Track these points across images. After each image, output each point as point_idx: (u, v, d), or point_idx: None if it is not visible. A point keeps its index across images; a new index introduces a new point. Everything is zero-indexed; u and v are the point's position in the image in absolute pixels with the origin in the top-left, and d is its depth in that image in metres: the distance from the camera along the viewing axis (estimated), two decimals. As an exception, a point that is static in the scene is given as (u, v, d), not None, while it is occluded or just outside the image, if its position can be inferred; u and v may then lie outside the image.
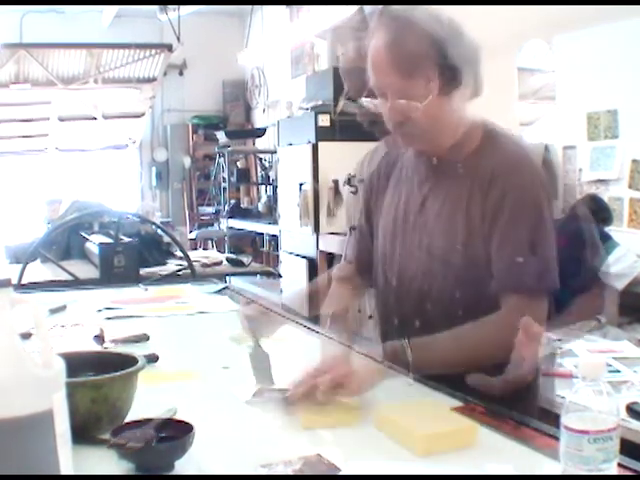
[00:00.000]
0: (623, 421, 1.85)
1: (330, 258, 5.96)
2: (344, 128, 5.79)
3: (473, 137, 1.53)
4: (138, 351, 1.38)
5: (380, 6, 1.54)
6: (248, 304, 1.62)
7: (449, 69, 1.45)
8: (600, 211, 3.87)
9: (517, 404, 1.49)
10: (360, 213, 1.77)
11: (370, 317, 5.53)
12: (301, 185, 6.46)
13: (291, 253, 6.82)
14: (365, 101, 1.53)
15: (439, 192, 1.52)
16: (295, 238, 6.75)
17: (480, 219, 1.45)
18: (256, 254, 8.46)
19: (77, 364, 1.17)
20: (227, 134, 8.79)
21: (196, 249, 7.54)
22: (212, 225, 9.30)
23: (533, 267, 1.40)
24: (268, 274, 5.57)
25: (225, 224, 8.62)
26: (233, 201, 8.98)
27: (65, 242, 4.20)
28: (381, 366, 1.41)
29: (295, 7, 7.88)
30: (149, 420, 1.13)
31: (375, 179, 1.72)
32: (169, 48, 8.40)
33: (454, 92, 1.47)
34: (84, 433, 1.11)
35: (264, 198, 8.91)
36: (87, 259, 4.05)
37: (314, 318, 1.84)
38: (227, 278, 4.19)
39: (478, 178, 1.46)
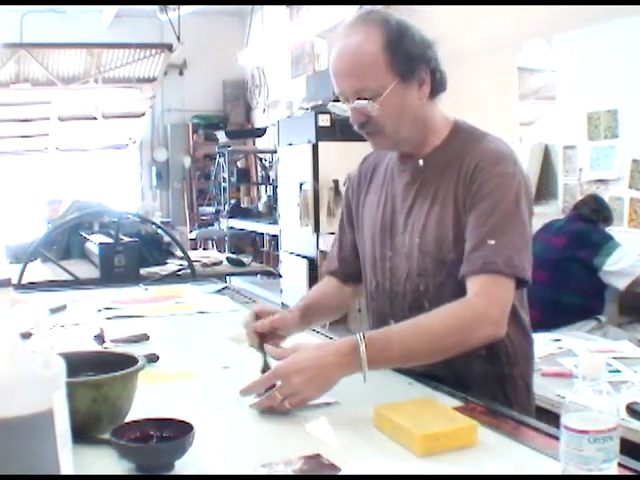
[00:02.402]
0: (623, 421, 1.86)
1: (330, 258, 5.96)
2: (344, 128, 5.78)
3: (457, 137, 1.54)
4: (138, 351, 1.38)
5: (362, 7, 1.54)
6: (257, 319, 1.53)
7: (438, 71, 1.49)
8: (602, 210, 3.87)
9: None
10: (341, 217, 1.77)
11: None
12: (301, 185, 6.47)
13: (291, 253, 6.83)
14: (338, 106, 1.51)
15: (427, 193, 1.52)
16: (295, 238, 6.75)
17: (465, 211, 1.45)
18: (256, 254, 8.46)
19: (77, 364, 1.17)
20: (227, 134, 8.79)
21: (196, 249, 7.55)
22: (212, 225, 9.31)
23: (503, 251, 1.38)
24: (268, 274, 5.58)
25: (225, 224, 8.62)
26: (233, 201, 8.98)
27: (65, 242, 4.20)
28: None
29: (295, 7, 7.88)
30: (149, 420, 1.13)
31: (355, 183, 1.72)
32: (169, 48, 8.41)
33: (438, 93, 1.51)
34: (84, 433, 1.11)
35: (264, 198, 8.91)
36: (87, 259, 4.05)
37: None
38: (227, 278, 4.20)
39: (462, 173, 1.47)
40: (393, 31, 1.44)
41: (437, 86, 1.51)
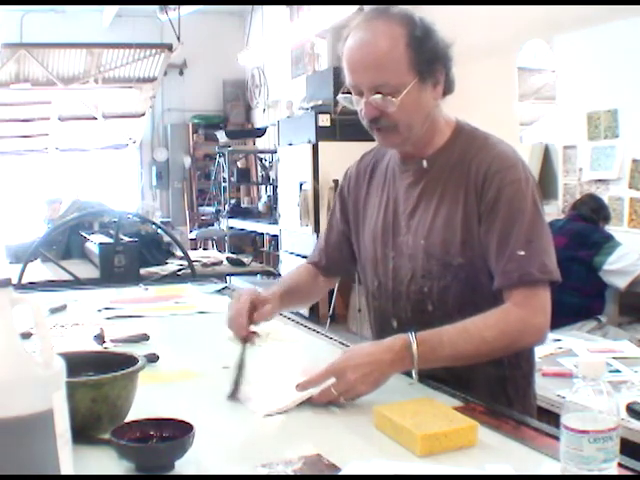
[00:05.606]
0: (623, 421, 1.86)
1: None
2: (344, 128, 5.79)
3: (459, 137, 1.54)
4: (138, 351, 1.38)
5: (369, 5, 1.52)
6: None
7: (451, 73, 1.49)
8: (601, 209, 3.87)
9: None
10: (333, 215, 1.77)
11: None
12: (301, 185, 6.47)
13: (291, 253, 6.83)
14: (349, 98, 1.49)
15: (433, 194, 1.52)
16: (295, 238, 6.75)
17: (477, 217, 1.45)
18: (256, 254, 8.46)
19: (77, 364, 1.17)
20: (227, 134, 8.79)
21: (196, 249, 7.54)
22: (212, 225, 9.31)
23: (535, 259, 1.41)
24: (268, 274, 5.57)
25: (225, 224, 8.62)
26: (233, 201, 8.99)
27: (65, 242, 4.20)
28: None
29: (295, 7, 7.88)
30: (149, 420, 1.13)
31: (353, 182, 1.71)
32: (169, 48, 8.41)
33: (447, 93, 1.51)
34: (84, 433, 1.11)
35: (264, 198, 8.92)
36: (87, 259, 4.05)
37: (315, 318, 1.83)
38: (227, 278, 4.19)
39: (472, 177, 1.47)
40: (418, 29, 1.43)
41: (447, 87, 1.50)
